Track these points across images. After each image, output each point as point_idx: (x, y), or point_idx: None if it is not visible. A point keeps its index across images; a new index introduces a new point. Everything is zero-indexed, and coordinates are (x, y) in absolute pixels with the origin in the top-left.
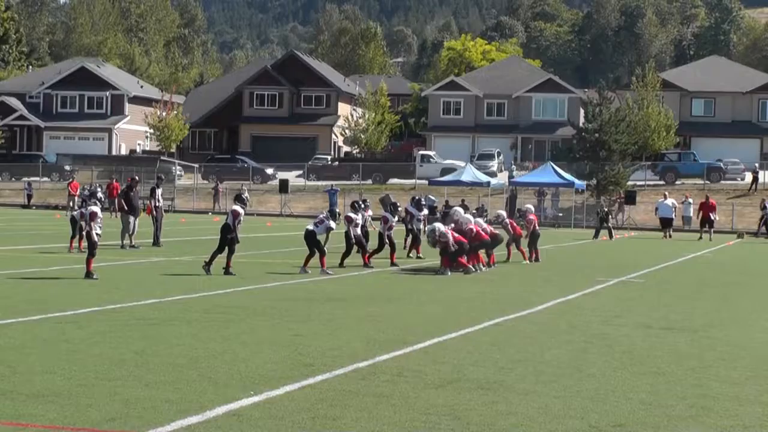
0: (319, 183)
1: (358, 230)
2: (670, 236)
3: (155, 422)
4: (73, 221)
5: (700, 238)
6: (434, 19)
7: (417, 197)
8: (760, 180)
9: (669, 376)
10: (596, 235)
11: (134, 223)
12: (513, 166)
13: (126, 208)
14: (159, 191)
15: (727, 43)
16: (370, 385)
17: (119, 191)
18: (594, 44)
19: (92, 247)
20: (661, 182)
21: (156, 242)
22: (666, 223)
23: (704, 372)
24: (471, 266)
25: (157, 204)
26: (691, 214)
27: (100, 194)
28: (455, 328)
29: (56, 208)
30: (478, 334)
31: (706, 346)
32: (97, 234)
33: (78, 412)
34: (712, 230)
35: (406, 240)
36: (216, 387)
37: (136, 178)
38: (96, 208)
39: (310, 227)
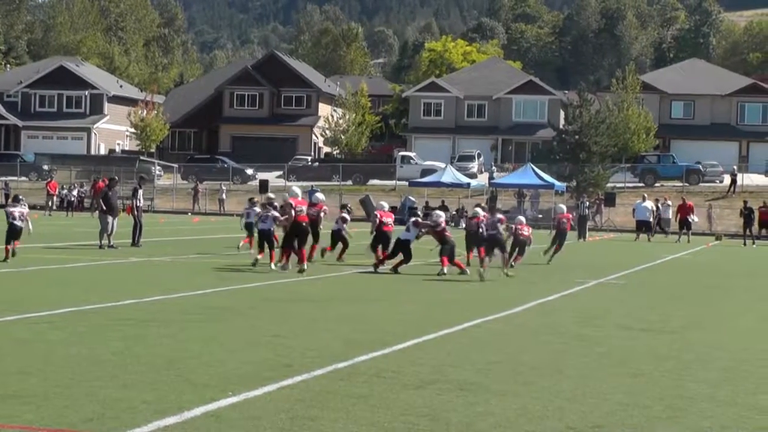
0: (299, 184)
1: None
2: (648, 239)
3: (133, 423)
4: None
5: (678, 240)
6: (415, 20)
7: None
8: (739, 182)
9: (647, 377)
10: (579, 236)
11: (113, 223)
12: (493, 167)
13: (104, 208)
14: (141, 191)
15: (706, 45)
16: (349, 386)
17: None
18: (574, 46)
19: (19, 234)
20: (641, 184)
21: (135, 242)
22: (643, 226)
23: (682, 373)
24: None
25: (138, 204)
26: (670, 217)
27: (20, 197)
28: (434, 329)
29: (34, 207)
30: (457, 336)
31: (684, 348)
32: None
33: (55, 413)
34: (690, 232)
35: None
36: (194, 388)
37: (116, 178)
38: (26, 209)
39: (259, 223)
